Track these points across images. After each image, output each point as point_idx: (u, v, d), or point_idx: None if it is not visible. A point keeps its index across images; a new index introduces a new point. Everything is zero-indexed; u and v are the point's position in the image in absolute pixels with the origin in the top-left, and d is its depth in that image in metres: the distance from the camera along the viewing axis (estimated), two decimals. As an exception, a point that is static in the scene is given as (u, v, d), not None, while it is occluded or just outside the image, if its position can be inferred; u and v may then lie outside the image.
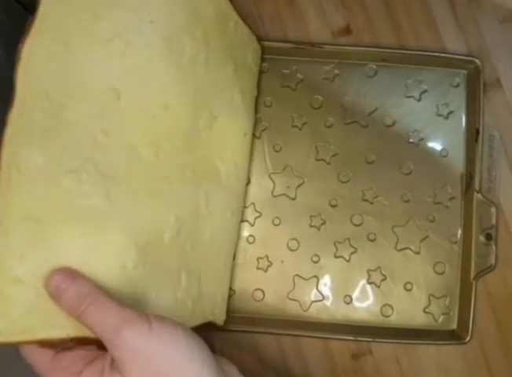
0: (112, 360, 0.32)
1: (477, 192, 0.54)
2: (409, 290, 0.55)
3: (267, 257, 0.55)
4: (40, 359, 0.34)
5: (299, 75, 0.57)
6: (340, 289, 0.55)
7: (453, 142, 0.56)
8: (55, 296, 0.33)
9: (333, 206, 0.56)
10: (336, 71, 0.57)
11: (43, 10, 0.35)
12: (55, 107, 0.34)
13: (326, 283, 0.55)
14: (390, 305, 0.55)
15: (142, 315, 0.32)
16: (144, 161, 0.38)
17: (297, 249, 0.55)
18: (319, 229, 0.55)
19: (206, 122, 0.44)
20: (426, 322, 0.55)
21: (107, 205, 0.36)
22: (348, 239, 0.55)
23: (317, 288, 0.55)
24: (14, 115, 0.33)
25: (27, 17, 0.69)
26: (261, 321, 0.54)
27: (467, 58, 0.56)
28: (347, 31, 0.57)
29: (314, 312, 0.55)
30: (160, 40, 0.39)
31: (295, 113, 0.56)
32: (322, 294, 0.55)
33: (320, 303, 0.55)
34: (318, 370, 0.55)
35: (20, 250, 0.33)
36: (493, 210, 0.54)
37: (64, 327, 0.33)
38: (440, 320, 0.55)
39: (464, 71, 0.57)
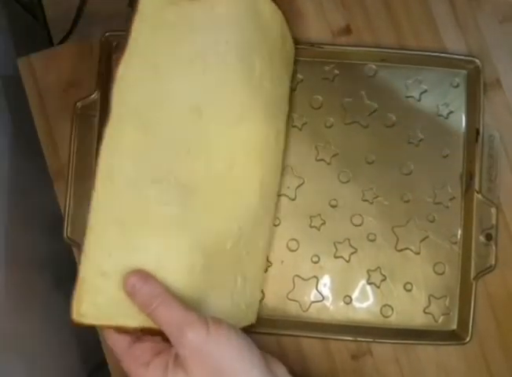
0: (176, 356, 0.38)
1: (477, 192, 0.54)
2: (409, 290, 0.55)
3: (267, 257, 0.55)
4: (118, 343, 0.40)
5: (299, 75, 0.57)
6: (340, 289, 0.55)
7: (453, 142, 0.56)
8: (130, 294, 0.38)
9: (333, 206, 0.56)
10: (336, 71, 0.57)
11: (135, 36, 0.39)
12: (144, 124, 0.39)
13: (326, 284, 0.55)
14: (390, 306, 0.55)
15: (202, 318, 0.37)
16: (219, 174, 0.42)
17: (297, 249, 0.55)
18: (319, 229, 0.55)
19: (274, 135, 0.47)
20: (425, 322, 0.55)
21: (182, 213, 0.40)
22: (348, 239, 0.55)
23: (317, 288, 0.55)
24: (109, 130, 0.38)
25: (27, 17, 0.69)
26: (261, 321, 0.54)
27: (467, 58, 0.56)
28: (347, 31, 0.57)
29: (314, 313, 0.55)
30: (234, 59, 0.42)
31: (295, 113, 0.56)
32: (322, 295, 0.55)
33: (319, 303, 0.55)
34: (318, 370, 0.55)
35: (109, 249, 0.39)
36: (493, 210, 0.54)
37: (137, 318, 0.39)
38: (440, 321, 0.55)
39: (464, 71, 0.57)
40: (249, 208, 0.44)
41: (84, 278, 0.39)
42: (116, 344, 0.40)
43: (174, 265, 0.40)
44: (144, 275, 0.38)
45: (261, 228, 0.47)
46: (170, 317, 0.37)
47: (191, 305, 0.38)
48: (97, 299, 0.39)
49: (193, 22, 0.42)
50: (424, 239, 0.55)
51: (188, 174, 0.40)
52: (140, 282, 0.38)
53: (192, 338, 0.36)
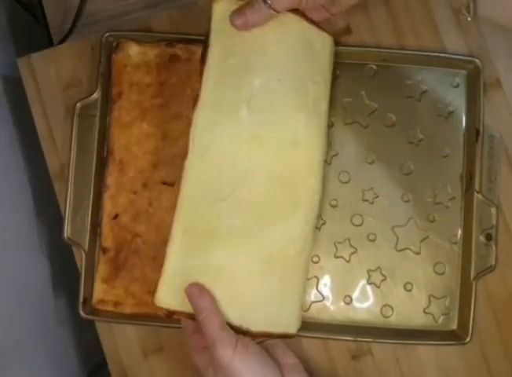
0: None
1: (477, 193, 0.54)
2: (409, 290, 0.55)
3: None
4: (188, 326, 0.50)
5: (299, 75, 0.57)
6: (340, 289, 0.55)
7: (453, 142, 0.56)
8: (189, 299, 0.47)
9: (333, 206, 0.56)
10: (336, 71, 0.57)
11: (204, 86, 0.48)
12: (213, 155, 0.48)
13: (326, 284, 0.55)
14: (390, 306, 0.55)
15: (233, 338, 0.45)
16: (280, 191, 0.49)
17: (297, 249, 0.55)
18: (319, 229, 0.55)
19: (324, 150, 0.51)
20: (426, 322, 0.55)
21: (244, 225, 0.48)
22: (348, 239, 0.55)
23: (317, 289, 0.55)
24: (187, 163, 0.48)
25: (27, 17, 0.69)
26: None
27: (467, 58, 0.56)
28: (347, 31, 0.57)
29: (314, 313, 0.55)
30: (288, 91, 0.49)
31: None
32: (322, 295, 0.55)
33: (320, 303, 0.55)
34: (318, 370, 0.55)
35: (181, 251, 0.48)
36: (493, 210, 0.54)
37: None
38: (440, 321, 0.55)
39: (464, 71, 0.57)
40: (301, 221, 0.49)
41: (164, 272, 0.48)
42: (187, 325, 0.50)
43: (239, 270, 0.48)
44: (200, 288, 0.47)
45: (311, 236, 0.51)
46: (209, 331, 0.45)
47: (244, 306, 0.48)
48: (171, 290, 0.48)
49: (250, 66, 0.49)
50: (424, 239, 0.55)
51: (250, 192, 0.48)
52: (195, 292, 0.46)
53: (220, 354, 0.44)
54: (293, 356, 0.48)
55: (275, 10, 0.48)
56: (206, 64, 0.48)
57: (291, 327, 0.49)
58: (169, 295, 0.48)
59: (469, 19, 0.46)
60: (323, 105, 0.51)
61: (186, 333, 0.50)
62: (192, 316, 0.47)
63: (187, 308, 0.47)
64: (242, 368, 0.44)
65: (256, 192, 0.48)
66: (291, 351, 0.49)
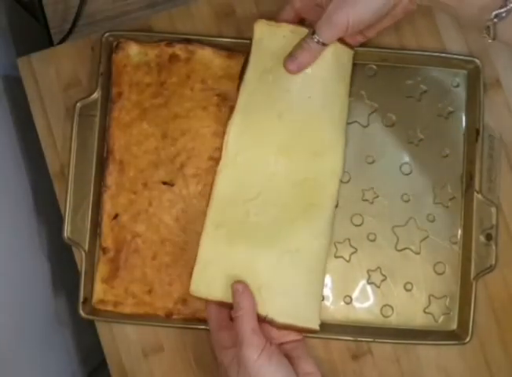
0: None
1: (477, 192, 0.54)
2: (409, 290, 0.55)
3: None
4: (213, 322, 0.51)
5: (299, 75, 0.57)
6: (340, 289, 0.55)
7: (453, 142, 0.56)
8: (233, 293, 0.49)
9: (333, 206, 0.56)
10: (336, 71, 0.57)
11: (239, 100, 0.53)
12: (244, 160, 0.53)
13: (326, 284, 0.55)
14: (390, 306, 0.55)
15: (261, 343, 0.47)
16: (303, 193, 0.52)
17: (297, 249, 0.56)
18: (319, 229, 0.55)
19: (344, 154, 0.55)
20: (426, 322, 0.55)
21: (271, 222, 0.52)
22: (348, 239, 0.55)
23: (317, 288, 0.55)
24: (220, 166, 0.52)
25: (27, 17, 0.69)
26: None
27: (467, 58, 0.56)
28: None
29: (314, 313, 0.55)
30: (318, 107, 0.53)
31: (295, 113, 0.57)
32: (322, 295, 0.55)
33: (320, 303, 0.55)
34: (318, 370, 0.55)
35: (212, 244, 0.52)
36: (493, 210, 0.54)
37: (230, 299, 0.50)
38: (440, 321, 0.55)
39: (464, 71, 0.57)
40: (327, 220, 0.53)
41: (198, 263, 0.51)
42: (213, 321, 0.51)
43: (263, 263, 0.51)
44: (244, 287, 0.50)
45: (330, 233, 0.54)
46: (241, 329, 0.48)
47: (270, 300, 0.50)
48: (205, 280, 0.51)
49: (283, 83, 0.52)
50: (424, 239, 0.55)
51: (275, 193, 0.52)
52: (240, 289, 0.49)
53: (245, 353, 0.47)
54: (313, 364, 0.50)
55: (324, 45, 0.50)
56: (243, 78, 0.53)
57: (314, 322, 0.51)
58: (202, 285, 0.51)
59: (489, 41, 0.46)
60: (345, 116, 0.54)
61: (211, 332, 0.51)
62: (224, 305, 0.51)
63: (216, 298, 0.51)
64: (264, 372, 0.46)
65: (282, 194, 0.53)
66: (312, 359, 0.50)
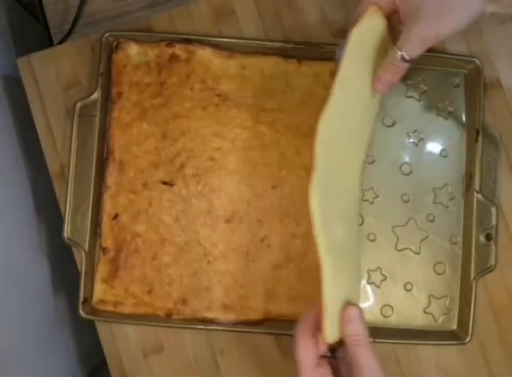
0: None
1: (477, 192, 0.54)
2: (409, 290, 0.55)
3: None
4: (306, 363, 0.44)
5: (299, 75, 0.57)
6: (340, 289, 0.55)
7: (453, 142, 0.56)
8: (345, 322, 0.44)
9: (333, 206, 0.56)
10: (336, 71, 0.57)
11: (332, 101, 0.48)
12: (328, 176, 0.48)
13: (326, 284, 0.55)
14: (390, 306, 0.55)
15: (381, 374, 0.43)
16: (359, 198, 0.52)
17: (297, 249, 0.55)
18: (319, 229, 0.55)
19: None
20: (426, 322, 0.55)
21: (348, 238, 0.49)
22: (348, 239, 0.55)
23: (317, 288, 0.55)
24: (313, 176, 0.47)
25: (27, 17, 0.69)
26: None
27: (467, 58, 0.56)
28: (347, 30, 0.57)
29: (314, 313, 0.55)
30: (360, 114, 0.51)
31: (295, 113, 0.57)
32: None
33: (319, 303, 0.55)
34: (318, 370, 0.55)
35: (333, 279, 0.45)
36: (493, 210, 0.54)
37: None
38: (440, 321, 0.55)
39: (464, 71, 0.57)
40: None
41: (325, 308, 0.44)
42: (305, 362, 0.45)
43: (341, 277, 0.47)
44: (360, 313, 0.45)
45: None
46: (363, 360, 0.43)
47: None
48: (335, 321, 0.45)
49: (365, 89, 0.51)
50: (424, 239, 0.55)
51: (349, 209, 0.51)
52: (357, 318, 0.44)
53: None
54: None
55: (410, 61, 0.48)
56: (331, 95, 0.48)
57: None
58: (335, 327, 0.45)
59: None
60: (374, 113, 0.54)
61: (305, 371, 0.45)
62: (335, 346, 0.45)
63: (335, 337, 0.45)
64: None
65: (353, 210, 0.52)
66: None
